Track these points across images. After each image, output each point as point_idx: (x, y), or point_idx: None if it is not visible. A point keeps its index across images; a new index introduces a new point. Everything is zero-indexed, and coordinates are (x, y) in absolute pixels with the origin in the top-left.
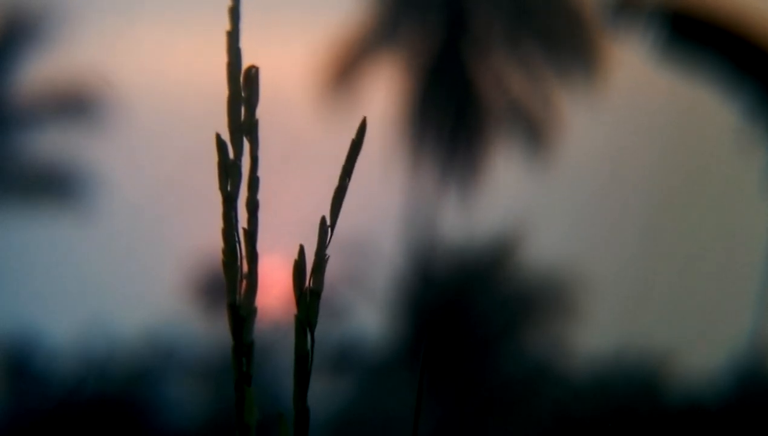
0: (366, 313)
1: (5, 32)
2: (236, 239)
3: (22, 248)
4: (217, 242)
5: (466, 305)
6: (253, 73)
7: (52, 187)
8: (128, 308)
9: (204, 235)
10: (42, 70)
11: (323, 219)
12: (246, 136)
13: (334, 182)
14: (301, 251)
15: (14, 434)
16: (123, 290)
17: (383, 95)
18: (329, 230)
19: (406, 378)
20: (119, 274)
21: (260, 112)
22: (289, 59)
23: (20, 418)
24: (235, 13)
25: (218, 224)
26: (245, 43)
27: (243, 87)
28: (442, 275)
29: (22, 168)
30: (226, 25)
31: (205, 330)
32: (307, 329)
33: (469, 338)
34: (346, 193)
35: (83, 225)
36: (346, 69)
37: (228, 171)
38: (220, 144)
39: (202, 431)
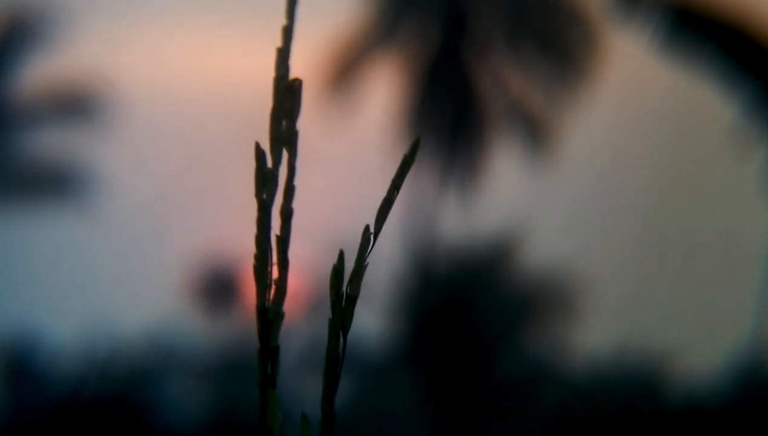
0: (365, 312)
1: (6, 31)
2: (268, 245)
3: (22, 247)
4: (219, 242)
5: (465, 305)
6: (296, 86)
7: (52, 186)
8: (129, 307)
9: (205, 234)
10: (43, 69)
11: (366, 227)
12: (285, 147)
13: (332, 183)
14: (341, 257)
15: (14, 434)
16: (124, 289)
17: (383, 95)
18: (372, 238)
19: (405, 378)
20: (120, 273)
21: (260, 114)
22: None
23: (20, 418)
24: (288, 32)
25: (220, 223)
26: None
27: (285, 98)
28: (442, 275)
29: (23, 167)
30: (276, 42)
31: (206, 330)
32: (340, 333)
33: (469, 338)
34: (392, 206)
35: (84, 225)
36: (345, 69)
37: (265, 179)
38: (259, 153)
39: (202, 431)
